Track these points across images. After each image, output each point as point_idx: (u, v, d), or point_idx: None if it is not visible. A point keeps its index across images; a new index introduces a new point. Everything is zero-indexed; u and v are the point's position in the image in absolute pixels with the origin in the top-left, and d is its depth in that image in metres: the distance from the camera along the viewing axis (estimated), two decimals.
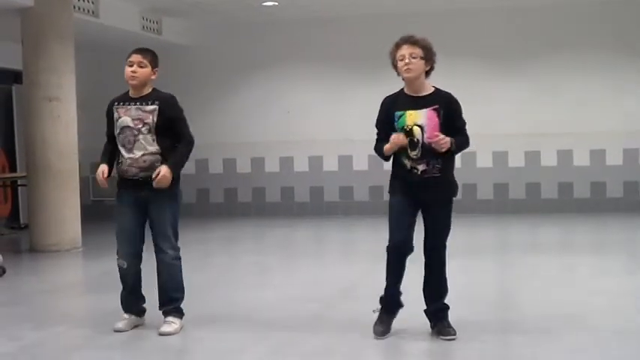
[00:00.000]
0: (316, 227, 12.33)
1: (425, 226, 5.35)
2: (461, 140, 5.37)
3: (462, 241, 10.79)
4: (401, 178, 5.33)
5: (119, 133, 5.63)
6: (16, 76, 12.28)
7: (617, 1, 12.54)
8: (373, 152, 5.53)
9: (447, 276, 5.45)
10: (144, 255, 5.80)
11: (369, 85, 12.40)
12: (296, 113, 13.56)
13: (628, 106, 12.66)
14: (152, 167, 5.56)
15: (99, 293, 7.26)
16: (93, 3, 10.94)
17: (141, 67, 5.62)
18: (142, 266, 5.83)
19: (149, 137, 5.57)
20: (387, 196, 5.51)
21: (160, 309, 5.75)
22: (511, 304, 6.55)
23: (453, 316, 5.43)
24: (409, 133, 5.24)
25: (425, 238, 5.37)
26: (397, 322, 5.48)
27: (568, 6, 12.66)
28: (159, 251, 5.68)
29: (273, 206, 13.80)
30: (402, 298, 5.48)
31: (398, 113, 5.29)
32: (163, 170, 5.49)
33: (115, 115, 5.67)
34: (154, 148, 5.58)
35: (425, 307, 5.47)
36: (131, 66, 5.62)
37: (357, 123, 12.13)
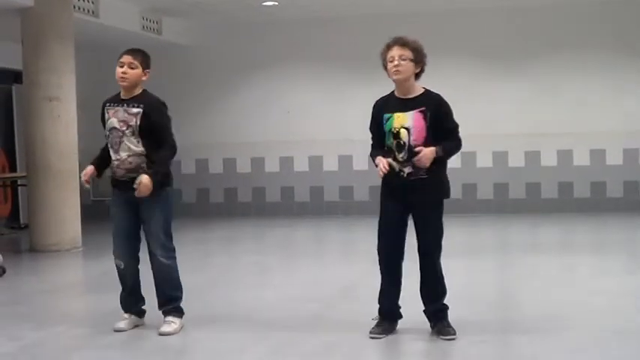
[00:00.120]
0: (316, 227, 12.33)
1: (416, 229, 5.34)
2: (450, 146, 5.26)
3: (462, 241, 10.80)
4: (389, 180, 5.34)
5: (108, 135, 5.66)
6: (16, 76, 12.28)
7: (617, 1, 12.54)
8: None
9: (443, 278, 5.44)
10: (142, 255, 5.81)
11: (369, 85, 12.33)
12: (296, 113, 13.55)
13: (628, 105, 12.66)
14: (138, 168, 5.55)
15: (99, 293, 7.27)
16: (93, 3, 10.94)
17: (131, 68, 5.59)
18: (140, 267, 5.83)
19: (133, 139, 5.56)
20: None
21: (159, 309, 5.75)
22: (511, 304, 6.56)
23: (453, 316, 5.43)
24: (396, 135, 5.24)
25: (417, 241, 5.35)
26: (398, 323, 5.48)
27: (568, 6, 12.66)
28: (150, 252, 5.68)
29: (273, 206, 13.80)
30: (401, 300, 5.48)
31: (386, 115, 5.30)
32: (144, 180, 5.44)
33: (106, 115, 5.69)
34: (138, 149, 5.57)
35: (424, 308, 5.48)
36: (121, 67, 5.60)
37: (357, 123, 12.04)
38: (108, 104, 5.72)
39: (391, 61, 5.24)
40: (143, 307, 5.88)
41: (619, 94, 12.69)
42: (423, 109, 5.21)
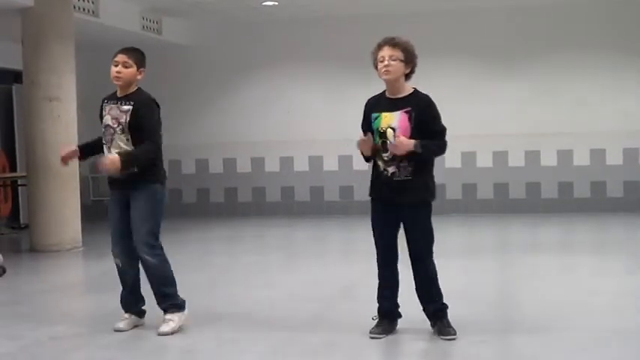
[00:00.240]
0: (316, 227, 12.34)
1: (405, 233, 5.35)
2: (431, 145, 5.23)
3: (462, 241, 10.82)
4: (375, 179, 5.38)
5: (103, 131, 5.70)
6: (16, 76, 12.28)
7: (617, 1, 12.54)
8: None
9: (437, 279, 5.43)
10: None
11: (369, 85, 12.26)
12: (296, 113, 13.56)
13: (628, 105, 12.66)
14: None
15: (99, 293, 7.27)
16: (93, 3, 10.94)
17: (126, 67, 5.60)
18: (140, 266, 5.85)
19: (123, 137, 5.57)
20: None
21: (160, 307, 5.76)
22: (511, 304, 6.56)
23: (453, 316, 5.43)
24: (383, 135, 5.24)
25: (407, 245, 5.35)
26: (398, 322, 5.48)
27: (568, 6, 12.66)
28: (137, 250, 5.68)
29: (273, 206, 13.80)
30: (401, 299, 5.48)
31: (374, 115, 5.32)
32: (111, 155, 5.48)
33: (103, 112, 5.73)
34: (128, 147, 5.58)
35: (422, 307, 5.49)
36: (116, 66, 5.61)
37: (357, 123, 12.05)
38: (106, 101, 5.76)
39: (381, 61, 5.24)
40: (143, 308, 5.88)
41: (619, 93, 12.69)
42: (408, 109, 5.22)
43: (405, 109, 5.22)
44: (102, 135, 5.72)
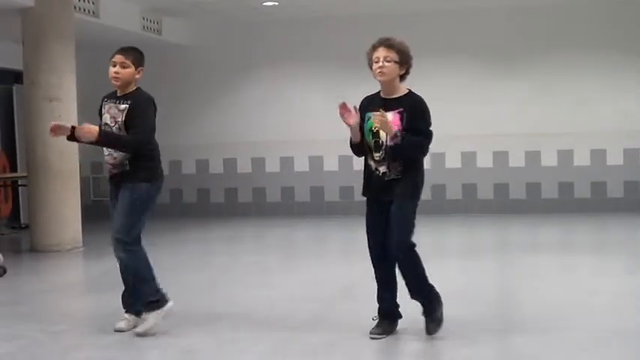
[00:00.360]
0: (316, 227, 12.34)
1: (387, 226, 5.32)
2: (412, 139, 5.16)
3: (463, 242, 10.83)
4: (367, 178, 5.39)
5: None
6: (16, 76, 12.29)
7: (617, 1, 12.54)
8: None
9: (425, 276, 5.36)
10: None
11: (369, 85, 12.36)
12: (296, 113, 13.56)
13: (628, 105, 12.66)
14: (122, 164, 5.59)
15: (99, 293, 7.27)
16: (93, 3, 10.95)
17: (123, 67, 5.60)
18: None
19: (122, 134, 5.58)
20: None
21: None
22: (511, 304, 6.56)
23: (453, 316, 5.43)
24: (375, 134, 5.25)
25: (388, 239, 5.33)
26: (398, 323, 5.48)
27: (568, 6, 12.66)
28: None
29: (273, 206, 13.80)
30: (402, 300, 5.48)
31: (368, 114, 5.32)
32: (91, 126, 5.46)
33: (102, 110, 5.74)
34: None
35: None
36: (114, 66, 5.62)
37: None
38: (105, 100, 5.77)
39: (376, 62, 5.25)
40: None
41: (619, 94, 12.69)
42: (401, 110, 5.22)
43: (397, 110, 5.22)
44: None
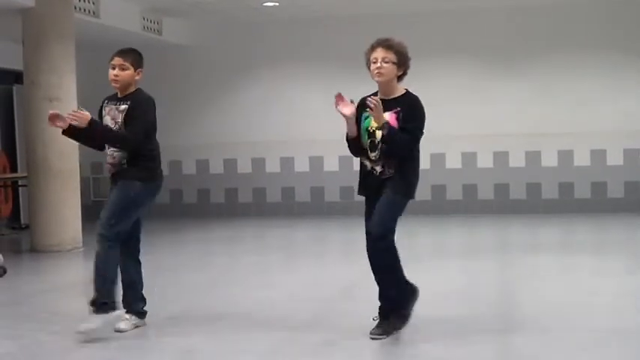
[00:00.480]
0: (317, 227, 12.34)
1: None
2: (399, 136, 5.14)
3: (463, 242, 10.83)
4: (362, 178, 5.40)
5: None
6: (16, 77, 12.29)
7: (617, 1, 12.54)
8: None
9: (397, 272, 5.31)
10: (142, 256, 5.82)
11: (369, 85, 12.37)
12: (296, 113, 13.56)
13: (628, 106, 12.66)
14: (119, 163, 5.60)
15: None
16: (93, 3, 10.95)
17: (122, 69, 5.61)
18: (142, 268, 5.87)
19: (114, 129, 5.60)
20: None
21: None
22: (511, 304, 6.56)
23: (453, 316, 5.43)
24: (372, 134, 5.26)
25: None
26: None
27: (568, 6, 12.66)
28: None
29: (273, 206, 13.80)
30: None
31: (364, 114, 5.33)
32: (85, 112, 5.49)
33: (103, 112, 5.75)
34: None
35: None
36: (113, 69, 5.63)
37: None
38: (106, 102, 5.78)
39: (374, 62, 5.26)
40: (144, 308, 5.88)
41: (619, 94, 12.69)
42: (397, 110, 5.23)
43: (394, 110, 5.23)
44: None
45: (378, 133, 5.23)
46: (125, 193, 5.57)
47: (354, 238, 11.39)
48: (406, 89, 5.37)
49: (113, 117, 5.63)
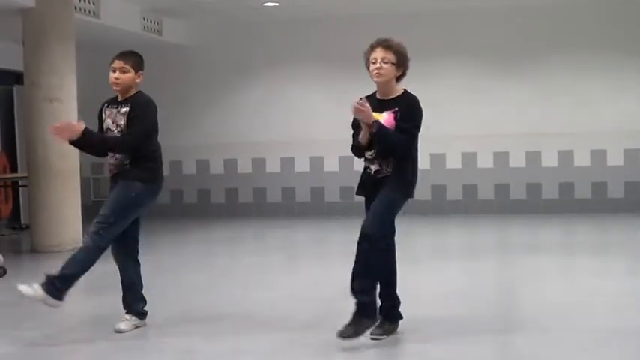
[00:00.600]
0: (317, 228, 12.34)
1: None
2: (391, 134, 5.12)
3: (463, 242, 10.82)
4: (361, 177, 5.42)
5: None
6: (17, 77, 12.29)
7: (617, 2, 12.54)
8: None
9: (376, 275, 5.26)
10: (142, 257, 5.82)
11: (369, 86, 12.37)
12: (297, 114, 13.56)
13: (629, 106, 12.65)
14: (120, 165, 5.62)
15: (99, 294, 7.27)
16: (94, 4, 10.96)
17: (123, 72, 5.61)
18: (142, 267, 5.87)
19: (108, 136, 5.61)
20: None
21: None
22: (511, 304, 6.56)
23: (453, 316, 5.43)
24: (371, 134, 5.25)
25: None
26: (399, 324, 5.48)
27: (568, 6, 12.66)
28: None
29: (274, 207, 13.80)
30: (402, 301, 5.48)
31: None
32: (79, 124, 5.52)
33: (103, 116, 5.75)
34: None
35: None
36: (114, 72, 5.63)
37: None
38: (106, 105, 5.78)
39: (374, 63, 5.25)
40: (145, 309, 5.88)
41: (620, 94, 12.68)
42: (396, 109, 5.23)
43: (392, 110, 5.23)
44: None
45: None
46: (126, 193, 5.57)
47: (354, 238, 11.36)
48: (404, 89, 5.37)
49: (114, 120, 5.63)
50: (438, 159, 12.92)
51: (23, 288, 5.43)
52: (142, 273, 5.90)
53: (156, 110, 5.69)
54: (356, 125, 5.39)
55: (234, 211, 13.89)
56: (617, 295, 6.71)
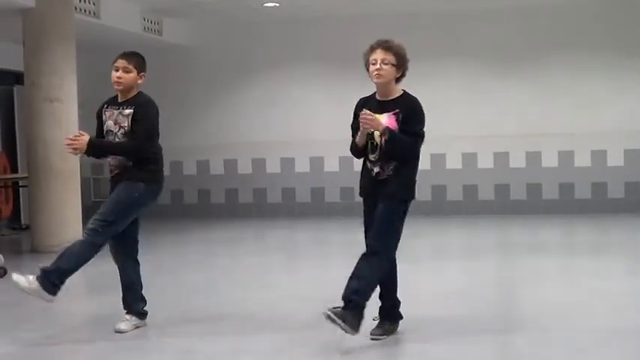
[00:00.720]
0: (317, 228, 12.34)
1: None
2: (402, 138, 5.15)
3: (463, 242, 10.83)
4: (362, 179, 5.41)
5: (105, 137, 5.70)
6: (17, 77, 12.30)
7: (617, 2, 12.54)
8: None
9: (371, 280, 5.22)
10: (143, 257, 5.82)
11: (369, 86, 12.35)
12: (297, 114, 13.57)
13: (629, 106, 12.65)
14: (121, 165, 5.63)
15: (99, 294, 7.28)
16: (94, 4, 10.96)
17: (126, 72, 5.61)
18: (142, 267, 5.88)
19: (116, 142, 5.61)
20: None
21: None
22: (511, 304, 6.56)
23: (453, 316, 5.43)
24: (370, 136, 5.26)
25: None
26: (399, 324, 5.48)
27: (569, 6, 12.66)
28: None
29: (274, 207, 13.81)
30: (402, 301, 5.48)
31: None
32: (82, 139, 5.52)
33: (103, 117, 5.74)
34: None
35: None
36: (117, 71, 5.63)
37: None
38: (106, 106, 5.78)
39: (373, 64, 5.25)
40: (145, 309, 5.89)
41: (620, 94, 12.68)
42: (396, 111, 5.23)
43: (393, 111, 5.23)
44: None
45: (377, 134, 5.22)
46: (128, 192, 5.58)
47: (354, 238, 11.37)
48: (404, 90, 5.37)
49: (118, 122, 5.61)
50: (438, 159, 12.92)
51: (17, 278, 5.37)
52: (142, 273, 5.91)
53: (158, 112, 5.71)
54: (355, 126, 5.40)
55: (235, 211, 13.90)
56: (617, 295, 6.72)
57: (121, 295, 5.87)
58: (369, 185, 5.34)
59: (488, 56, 13.03)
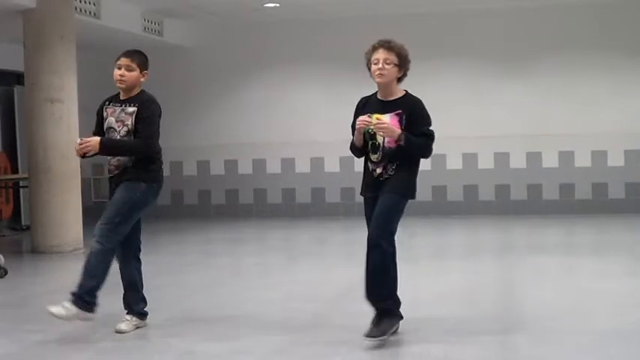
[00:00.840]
0: (317, 228, 12.34)
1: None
2: (416, 141, 5.19)
3: (464, 243, 10.83)
4: (364, 179, 5.41)
5: (105, 134, 5.70)
6: (17, 78, 12.30)
7: (618, 2, 12.54)
8: None
9: (390, 279, 5.27)
10: (143, 257, 5.82)
11: (370, 86, 12.35)
12: (297, 115, 13.57)
13: (629, 107, 12.66)
14: (122, 165, 5.62)
15: (100, 294, 7.26)
16: (95, 5, 10.97)
17: (129, 70, 5.62)
18: (142, 268, 5.88)
19: (126, 139, 5.61)
20: None
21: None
22: (511, 304, 6.56)
23: (454, 316, 5.43)
24: (372, 136, 5.27)
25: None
26: (400, 324, 5.49)
27: (569, 7, 12.66)
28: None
29: (274, 207, 13.81)
30: (402, 301, 5.47)
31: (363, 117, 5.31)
32: (93, 140, 5.53)
33: (104, 114, 5.74)
34: None
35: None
36: (119, 69, 5.63)
37: None
38: (107, 103, 5.77)
39: (375, 64, 5.25)
40: (145, 309, 5.89)
41: (620, 95, 12.69)
42: (399, 111, 5.23)
43: (395, 112, 5.23)
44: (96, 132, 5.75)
45: (379, 135, 5.23)
46: (131, 193, 5.59)
47: (354, 239, 11.42)
48: (405, 90, 5.37)
49: (121, 119, 5.61)
50: (438, 159, 12.91)
51: (55, 309, 5.46)
52: (142, 273, 5.91)
53: (161, 111, 5.72)
54: (355, 127, 5.41)
55: (235, 211, 13.90)
56: (618, 296, 6.72)
57: (121, 295, 5.87)
58: (372, 185, 5.34)
59: (488, 57, 13.03)
